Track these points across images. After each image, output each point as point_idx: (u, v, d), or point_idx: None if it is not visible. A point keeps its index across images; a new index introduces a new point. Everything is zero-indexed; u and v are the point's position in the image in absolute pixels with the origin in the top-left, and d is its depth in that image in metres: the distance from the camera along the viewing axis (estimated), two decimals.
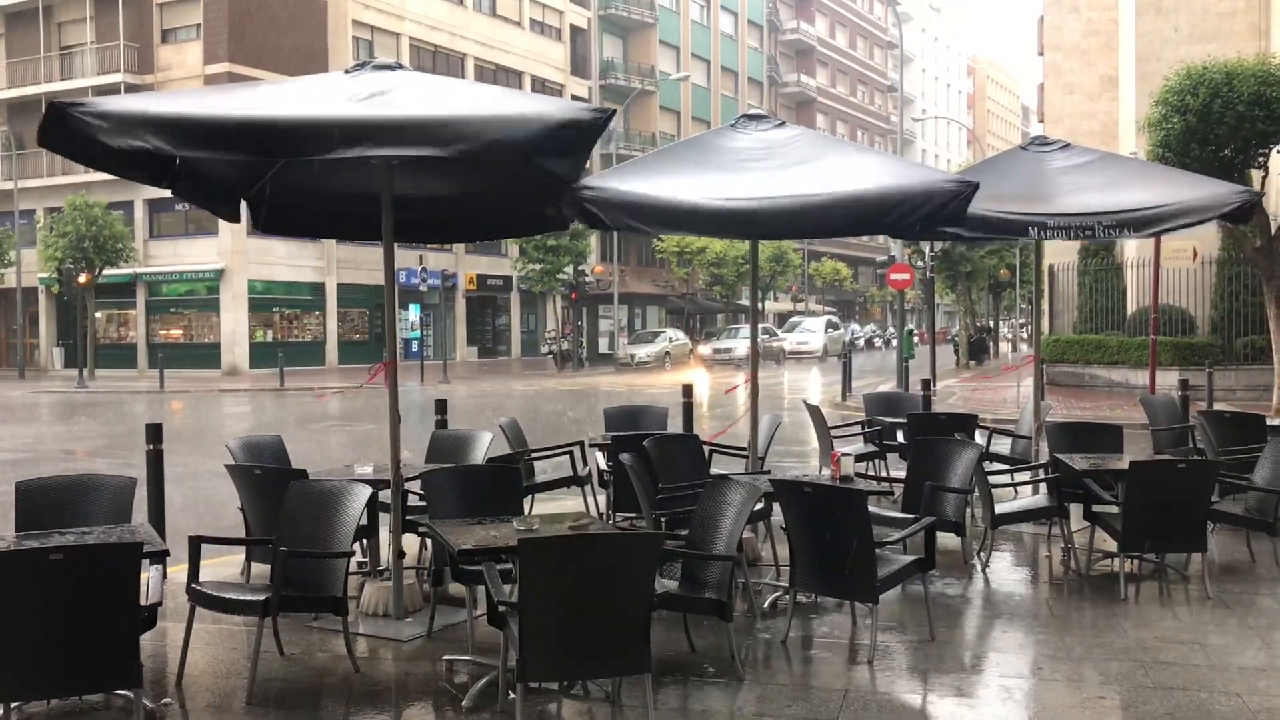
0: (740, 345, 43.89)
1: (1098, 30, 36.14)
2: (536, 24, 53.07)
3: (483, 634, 6.01)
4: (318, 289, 42.59)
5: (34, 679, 4.58)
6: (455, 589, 7.04)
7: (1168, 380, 19.51)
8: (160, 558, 5.38)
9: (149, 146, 4.88)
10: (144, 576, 4.94)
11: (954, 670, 5.72)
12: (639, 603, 4.71)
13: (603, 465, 9.06)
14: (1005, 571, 7.88)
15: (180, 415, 23.99)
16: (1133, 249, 26.61)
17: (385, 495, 6.90)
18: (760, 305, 52.95)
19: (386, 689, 5.54)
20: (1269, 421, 10.03)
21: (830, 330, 53.71)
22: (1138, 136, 21.26)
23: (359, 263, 42.87)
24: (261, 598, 5.42)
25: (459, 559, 5.37)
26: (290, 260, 41.15)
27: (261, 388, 32.53)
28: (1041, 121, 40.94)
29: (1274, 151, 16.41)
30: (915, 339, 29.67)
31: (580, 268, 42.89)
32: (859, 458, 9.91)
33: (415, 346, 43.75)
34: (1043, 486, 8.48)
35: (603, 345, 50.37)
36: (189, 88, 33.69)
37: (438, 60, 46.81)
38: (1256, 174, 16.78)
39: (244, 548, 6.99)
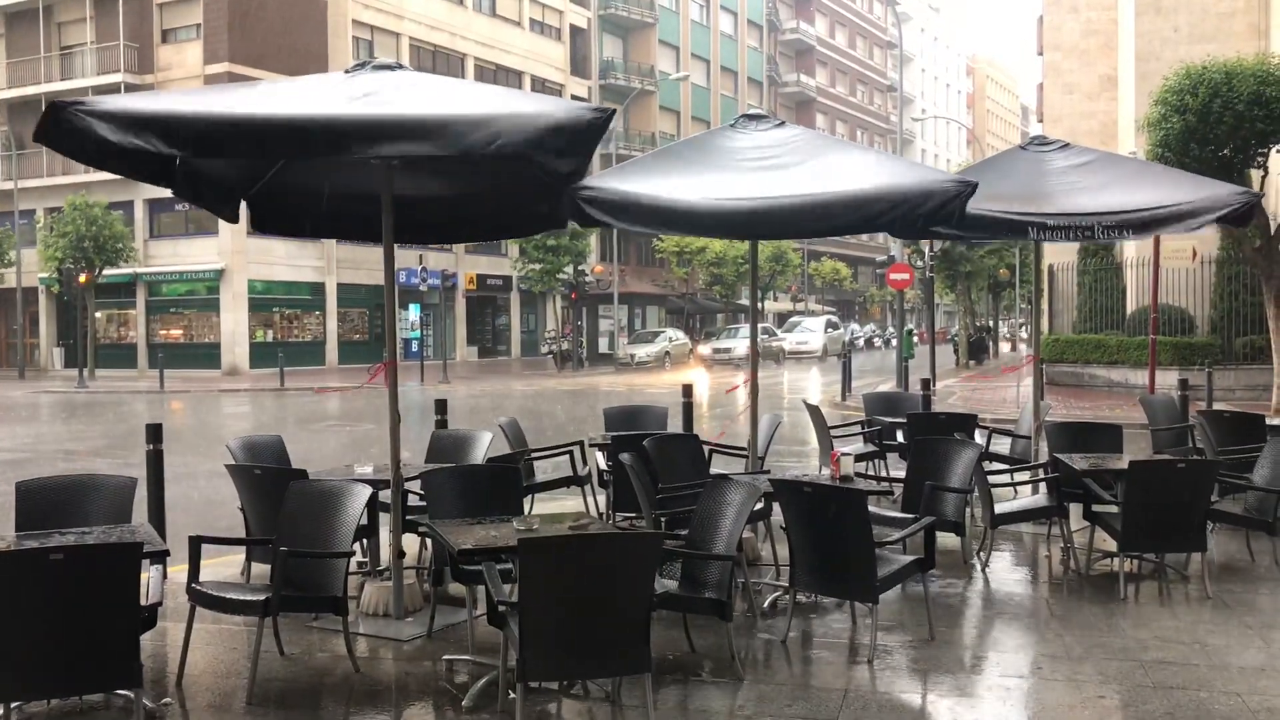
0: (740, 345, 43.90)
1: (1097, 30, 36.16)
2: (536, 24, 53.08)
3: (483, 634, 6.02)
4: (318, 289, 42.59)
5: (34, 679, 4.58)
6: (455, 589, 7.04)
7: (1167, 380, 19.51)
8: (160, 558, 5.38)
9: (147, 146, 4.88)
10: (144, 576, 4.94)
11: (954, 670, 5.73)
12: (639, 603, 4.71)
13: (602, 465, 9.06)
14: (1005, 571, 7.89)
15: (180, 415, 23.99)
16: (1132, 249, 26.62)
17: (385, 495, 6.90)
18: (760, 305, 53.02)
19: (386, 689, 5.55)
20: (1268, 421, 10.03)
21: (830, 330, 53.70)
22: (1137, 136, 21.26)
23: (359, 263, 42.87)
24: (261, 598, 5.43)
25: (459, 559, 5.37)
26: (290, 260, 41.16)
27: (261, 388, 32.52)
28: (1041, 121, 40.96)
29: (1273, 151, 16.41)
30: (915, 339, 29.67)
31: (580, 267, 42.89)
32: (859, 457, 9.91)
33: (415, 346, 43.75)
34: (1042, 486, 8.49)
35: (602, 345, 50.38)
36: (189, 88, 33.66)
37: (437, 60, 46.82)
38: (1256, 174, 16.79)
39: (244, 548, 6.99)
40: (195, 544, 5.69)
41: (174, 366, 36.20)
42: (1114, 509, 7.46)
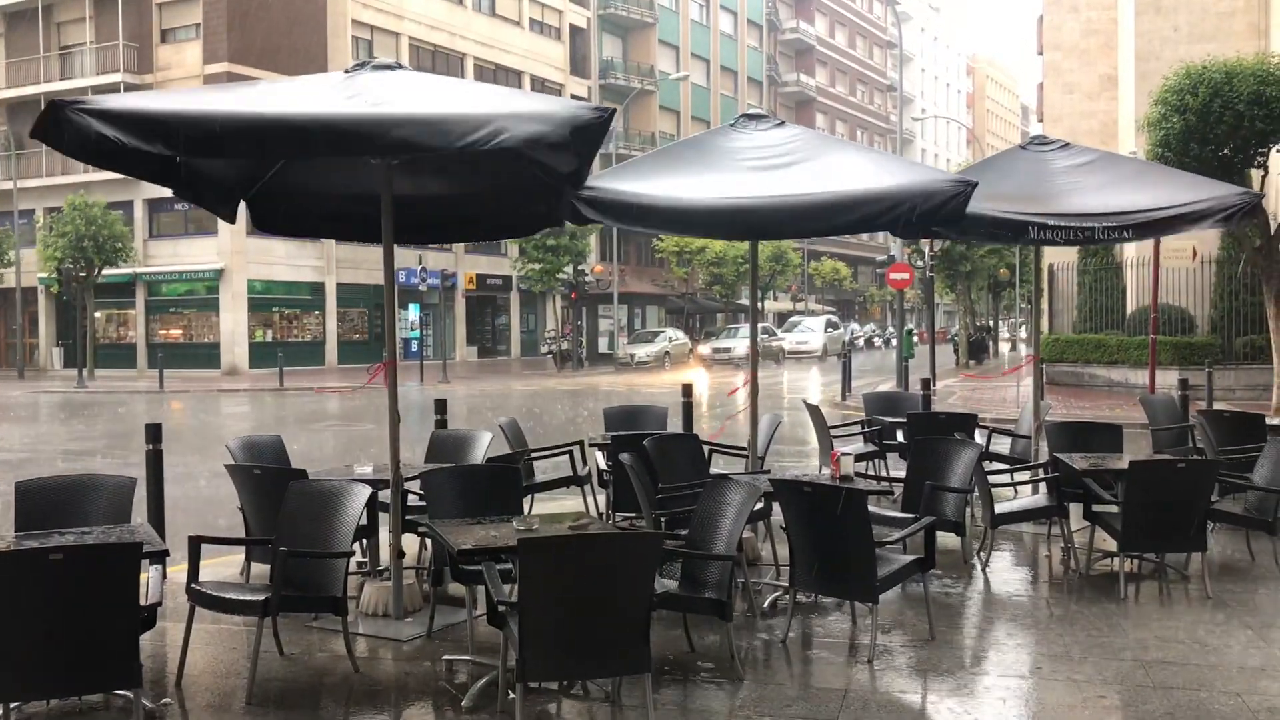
0: (740, 345, 43.89)
1: (1097, 30, 36.15)
2: (536, 24, 53.08)
3: (482, 634, 6.02)
4: (317, 289, 42.59)
5: (34, 679, 4.57)
6: (455, 589, 7.04)
7: (1167, 380, 19.51)
8: (160, 558, 5.38)
9: (147, 146, 4.88)
10: (144, 576, 4.94)
11: (954, 670, 5.72)
12: (639, 602, 4.71)
13: (602, 465, 9.06)
14: (1005, 571, 7.88)
15: (180, 415, 23.99)
16: (1132, 248, 26.61)
17: (385, 495, 6.90)
18: (760, 305, 53.01)
19: (386, 689, 5.54)
20: (1268, 421, 10.04)
21: (830, 330, 53.69)
22: (1137, 136, 21.26)
23: (358, 262, 42.88)
24: (261, 598, 5.42)
25: (459, 559, 5.36)
26: (290, 260, 41.16)
27: (261, 388, 32.52)
28: (1041, 121, 40.96)
29: (1273, 151, 16.41)
30: (915, 338, 29.67)
31: (580, 267, 42.88)
32: (859, 457, 9.91)
33: (415, 346, 43.75)
34: (1042, 486, 8.48)
35: (602, 345, 50.38)
36: (188, 88, 33.65)
37: (437, 60, 46.82)
38: (1256, 173, 16.79)
39: (244, 548, 6.99)
40: (195, 544, 5.69)
41: (173, 366, 36.20)
42: (1114, 509, 7.46)
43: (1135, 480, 7.12)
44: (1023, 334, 59.18)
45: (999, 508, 7.84)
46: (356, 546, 6.49)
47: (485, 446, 8.48)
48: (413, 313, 44.89)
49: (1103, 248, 27.20)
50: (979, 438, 9.81)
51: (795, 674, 5.72)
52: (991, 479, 8.34)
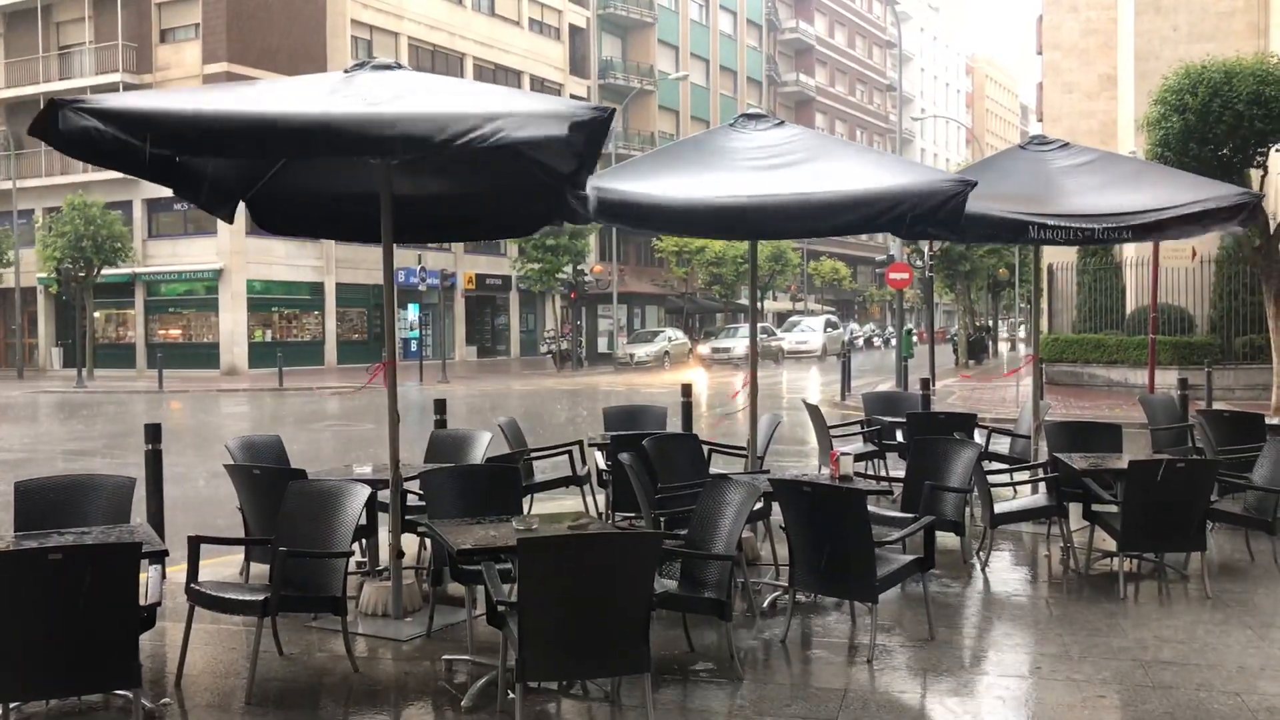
0: (739, 345, 43.89)
1: (1096, 29, 36.17)
2: (535, 23, 53.07)
3: (482, 634, 6.01)
4: (316, 289, 42.59)
5: (33, 679, 4.57)
6: (454, 589, 7.04)
7: (1167, 379, 19.51)
8: (159, 558, 5.38)
9: (146, 145, 4.87)
10: (143, 576, 4.94)
11: (953, 670, 5.72)
12: (638, 602, 4.71)
13: (602, 465, 9.05)
14: (1004, 571, 7.88)
15: (179, 415, 23.98)
16: (1132, 248, 26.60)
17: (384, 495, 6.90)
18: (759, 305, 52.99)
19: (386, 689, 5.54)
20: (1268, 420, 10.04)
21: (829, 329, 53.69)
22: (1136, 135, 21.26)
23: (358, 262, 42.87)
24: (260, 598, 5.42)
25: (458, 559, 5.36)
26: (289, 260, 41.15)
27: (260, 388, 32.52)
28: (1040, 120, 40.97)
29: (1273, 150, 16.41)
30: (914, 338, 29.68)
31: (579, 267, 42.88)
32: (858, 457, 9.91)
33: (414, 346, 43.73)
34: (1042, 486, 8.49)
35: (602, 345, 50.37)
36: (187, 87, 33.62)
37: (436, 60, 46.81)
38: (1255, 173, 16.79)
39: (243, 548, 6.99)
40: (194, 544, 5.68)
41: (173, 366, 36.18)
42: (1113, 508, 7.46)
43: (1134, 480, 7.12)
44: (1021, 334, 59.23)
45: (998, 507, 7.84)
46: (356, 546, 6.49)
47: (485, 446, 8.48)
48: (412, 313, 44.88)
49: (1102, 247, 27.22)
50: (978, 437, 9.81)
51: (794, 674, 5.72)
52: (991, 479, 8.34)
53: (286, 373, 33.22)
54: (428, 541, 7.14)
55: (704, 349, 46.06)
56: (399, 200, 6.64)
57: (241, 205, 7.04)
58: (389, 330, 7.03)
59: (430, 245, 41.19)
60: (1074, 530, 8.06)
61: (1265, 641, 6.13)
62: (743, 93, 69.49)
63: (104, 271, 38.47)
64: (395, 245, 6.67)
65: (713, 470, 8.10)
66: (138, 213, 40.78)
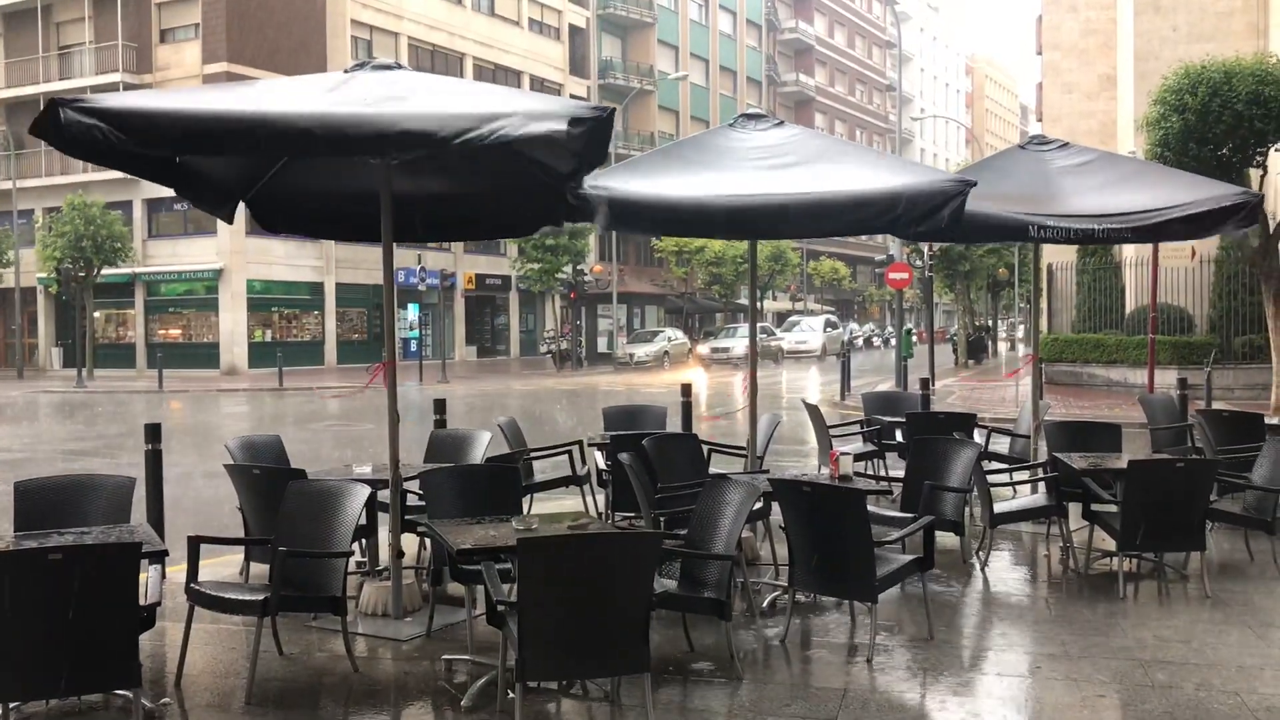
0: (739, 344, 43.89)
1: (1096, 29, 36.19)
2: (535, 23, 53.07)
3: (482, 633, 6.01)
4: (316, 289, 42.59)
5: (33, 679, 4.57)
6: (454, 589, 7.04)
7: (1166, 379, 19.51)
8: (159, 557, 5.38)
9: (145, 144, 4.88)
10: (143, 576, 4.94)
11: (953, 669, 5.73)
12: (638, 602, 4.71)
13: (601, 465, 9.05)
14: (1004, 571, 7.89)
15: (179, 415, 23.98)
16: (1131, 248, 26.61)
17: (384, 495, 6.90)
18: (759, 304, 53.00)
19: (385, 689, 5.54)
20: (1267, 420, 10.03)
21: (829, 329, 53.69)
22: (1136, 135, 21.27)
23: (358, 262, 42.87)
24: (260, 597, 5.42)
25: (458, 559, 5.36)
26: (289, 260, 41.15)
27: (260, 387, 32.52)
28: (1040, 120, 40.99)
29: (1272, 150, 16.42)
30: (914, 338, 29.69)
31: (579, 267, 42.88)
32: (858, 457, 9.91)
33: (414, 346, 43.74)
34: (1041, 485, 8.49)
35: (601, 345, 50.38)
36: (187, 87, 33.62)
37: (436, 60, 46.81)
38: (1255, 173, 16.80)
39: (243, 547, 6.99)
40: (194, 544, 5.68)
41: (172, 366, 36.18)
42: (1113, 508, 7.46)
43: (1134, 480, 7.12)
44: (1019, 334, 59.22)
45: (998, 507, 7.84)
46: (356, 546, 6.49)
47: (484, 446, 8.48)
48: (412, 312, 44.88)
49: (1101, 247, 27.22)
50: (978, 437, 9.81)
51: (794, 673, 5.72)
52: (990, 478, 8.34)
53: (286, 373, 33.22)
54: (427, 541, 7.14)
55: (703, 349, 46.06)
56: (399, 200, 6.64)
57: (241, 205, 7.04)
58: (389, 330, 7.03)
59: (430, 245, 41.24)
60: (1073, 530, 8.06)
61: (1265, 641, 6.13)
62: (742, 93, 69.49)
63: (104, 271, 38.47)
64: (395, 245, 6.67)
65: (712, 470, 8.10)
66: (138, 213, 40.78)
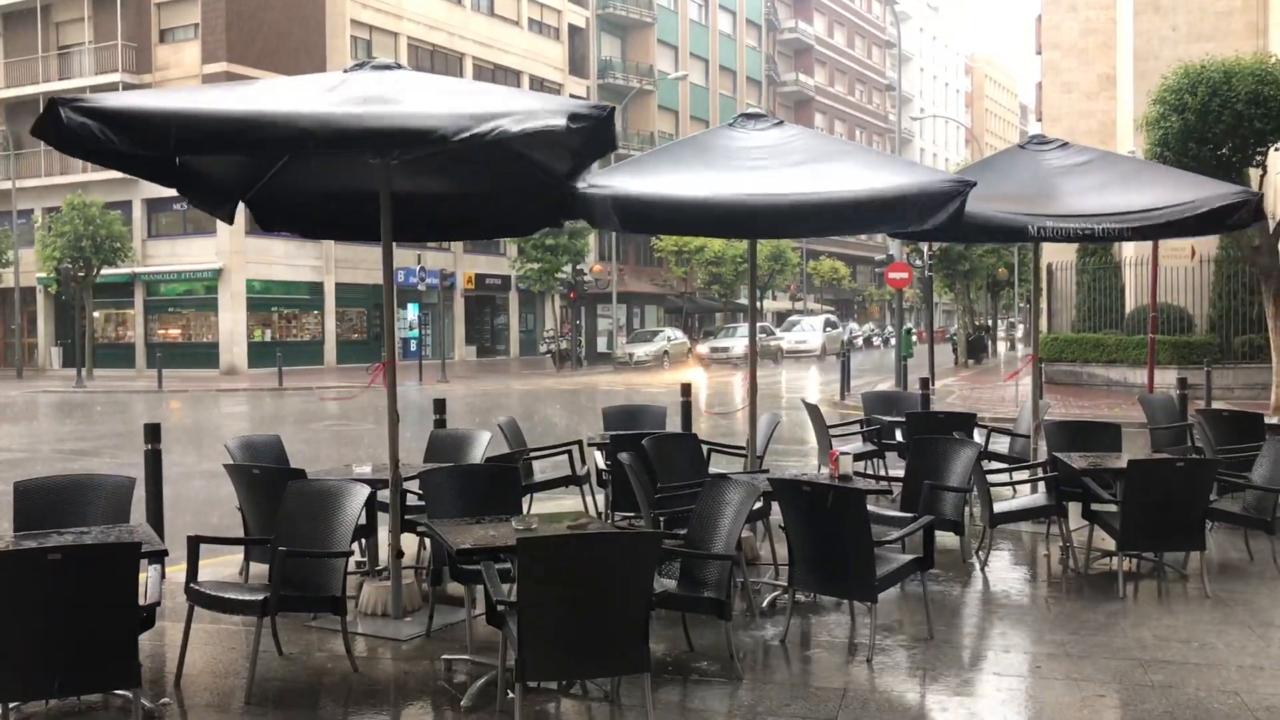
0: (738, 344, 43.90)
1: (1096, 29, 36.20)
2: (535, 23, 53.07)
3: (481, 633, 6.01)
4: (316, 288, 42.59)
5: (33, 679, 4.57)
6: (454, 588, 7.04)
7: (1166, 379, 19.51)
8: (159, 557, 5.38)
9: (145, 144, 4.87)
10: (142, 576, 4.93)
11: (952, 669, 5.73)
12: (638, 602, 4.71)
13: (601, 464, 9.05)
14: (1004, 570, 7.89)
15: (178, 415, 23.98)
16: (1131, 248, 26.62)
17: (384, 495, 6.90)
18: (759, 304, 53.04)
19: (385, 689, 5.54)
20: (1267, 420, 10.04)
21: (828, 329, 53.70)
22: (1136, 135, 21.27)
23: (357, 262, 42.87)
24: (260, 597, 5.42)
25: (458, 558, 5.36)
26: (288, 260, 41.15)
27: (260, 387, 32.51)
28: (1039, 120, 41.00)
29: (1272, 150, 16.42)
30: (914, 338, 29.70)
31: (579, 267, 42.88)
32: (858, 456, 9.91)
33: (413, 346, 43.74)
34: (1041, 485, 8.49)
35: (601, 344, 50.38)
36: (187, 87, 33.60)
37: (436, 60, 46.81)
38: (1254, 173, 16.80)
39: (243, 547, 6.99)
40: (194, 544, 5.68)
41: (172, 366, 36.18)
42: (1113, 508, 7.46)
43: (1134, 479, 7.12)
44: (1019, 333, 59.22)
45: (998, 507, 7.84)
46: (355, 546, 6.49)
47: (484, 446, 8.47)
48: (411, 312, 44.88)
49: (1101, 247, 27.23)
50: (978, 437, 9.81)
51: (794, 673, 5.72)
52: (990, 478, 8.34)
53: (286, 372, 33.22)
54: (427, 541, 7.14)
55: (703, 348, 46.08)
56: (398, 200, 6.64)
57: (241, 205, 7.04)
58: (388, 330, 7.03)
59: (430, 245, 41.24)
60: (1073, 530, 8.06)
61: (1265, 641, 6.13)
62: (742, 92, 69.48)
63: (103, 271, 38.46)
64: (395, 245, 6.67)
65: (712, 470, 8.10)
66: (137, 213, 40.77)
